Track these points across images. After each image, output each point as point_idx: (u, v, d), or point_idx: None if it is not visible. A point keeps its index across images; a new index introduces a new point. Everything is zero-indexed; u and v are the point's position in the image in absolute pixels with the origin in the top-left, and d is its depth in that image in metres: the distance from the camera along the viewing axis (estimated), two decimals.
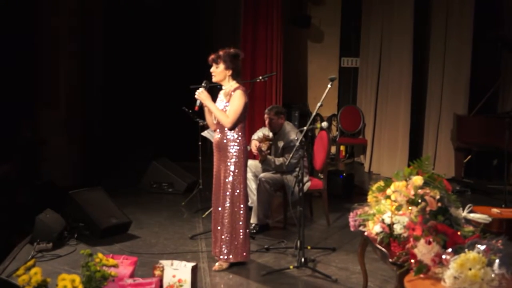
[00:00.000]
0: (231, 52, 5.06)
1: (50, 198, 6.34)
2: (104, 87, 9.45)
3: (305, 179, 6.12)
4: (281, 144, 6.39)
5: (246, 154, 5.16)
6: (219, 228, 5.13)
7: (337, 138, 10.41)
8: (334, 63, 10.71)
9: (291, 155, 5.70)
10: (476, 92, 8.85)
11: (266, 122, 6.54)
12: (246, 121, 9.31)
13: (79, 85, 8.33)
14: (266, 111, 6.60)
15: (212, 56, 5.08)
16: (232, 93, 5.03)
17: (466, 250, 3.28)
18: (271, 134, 6.60)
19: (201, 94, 5.06)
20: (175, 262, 4.58)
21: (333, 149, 10.19)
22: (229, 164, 5.06)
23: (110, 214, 6.11)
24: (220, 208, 5.11)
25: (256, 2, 9.57)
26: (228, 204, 5.06)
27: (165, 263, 4.57)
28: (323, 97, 5.16)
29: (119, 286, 4.23)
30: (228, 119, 5.00)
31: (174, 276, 4.47)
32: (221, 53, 5.05)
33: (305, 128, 5.37)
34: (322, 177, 6.61)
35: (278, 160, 6.31)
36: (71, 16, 8.05)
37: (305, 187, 6.10)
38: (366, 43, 10.24)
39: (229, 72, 5.07)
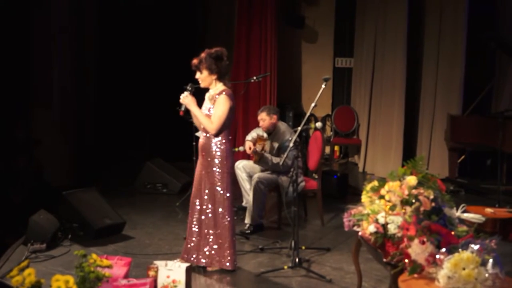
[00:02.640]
0: (212, 54, 4.89)
1: (43, 199, 6.32)
2: (97, 87, 9.43)
3: (300, 179, 6.13)
4: (276, 144, 6.40)
5: (230, 160, 5.01)
6: (199, 236, 5.02)
7: (331, 138, 10.42)
8: (328, 63, 10.71)
9: (285, 156, 5.70)
10: (470, 92, 8.87)
11: (259, 122, 6.55)
12: (241, 122, 9.49)
13: (73, 85, 8.31)
14: (259, 111, 6.61)
15: (194, 62, 4.94)
16: (217, 97, 4.90)
17: (460, 249, 3.30)
18: (265, 135, 6.60)
19: (185, 99, 4.93)
20: (169, 262, 4.57)
21: (327, 149, 10.20)
22: (212, 170, 4.94)
23: (104, 214, 6.10)
24: (203, 216, 5.00)
25: (250, 2, 9.58)
26: (210, 213, 4.96)
27: (159, 263, 4.57)
28: (317, 97, 5.17)
29: (113, 287, 4.22)
30: (212, 126, 4.86)
31: (168, 277, 4.47)
32: (203, 56, 4.90)
33: (299, 128, 5.36)
34: (316, 177, 6.62)
35: (275, 159, 6.31)
36: (64, 16, 8.03)
37: (300, 188, 6.11)
38: (360, 43, 10.26)
39: (214, 76, 4.93)
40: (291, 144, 5.51)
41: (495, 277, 3.17)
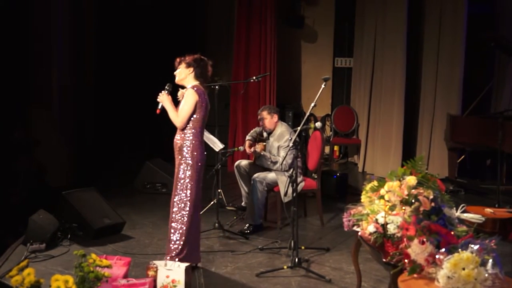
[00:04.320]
0: (195, 56, 5.02)
1: (43, 199, 6.32)
2: (97, 87, 9.43)
3: (299, 179, 6.12)
4: (276, 144, 6.40)
5: (199, 157, 4.92)
6: (171, 230, 4.98)
7: (331, 138, 10.42)
8: (327, 63, 10.72)
9: (285, 155, 5.70)
10: (470, 92, 8.87)
11: (260, 122, 6.56)
12: (241, 122, 9.48)
13: (72, 85, 8.31)
14: (259, 111, 6.62)
15: (176, 60, 5.04)
16: (185, 92, 4.96)
17: (459, 250, 3.29)
18: (265, 134, 6.61)
19: (161, 97, 4.99)
20: (169, 262, 4.58)
21: (327, 149, 10.20)
22: (181, 167, 4.92)
23: (104, 214, 6.10)
24: (173, 209, 4.96)
25: (249, 2, 9.58)
26: (176, 208, 4.92)
27: (158, 263, 4.56)
28: (316, 97, 5.16)
29: (112, 286, 4.22)
30: (177, 119, 4.90)
31: (167, 277, 4.47)
32: (186, 56, 5.03)
33: (298, 128, 5.36)
34: (315, 177, 6.62)
35: (275, 158, 6.31)
36: (64, 15, 8.03)
37: (299, 187, 6.11)
38: (359, 43, 10.26)
39: (190, 71, 4.98)
40: (291, 144, 5.50)
41: (495, 277, 3.17)
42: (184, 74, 5.00)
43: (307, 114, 5.67)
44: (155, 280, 4.48)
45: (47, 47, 7.77)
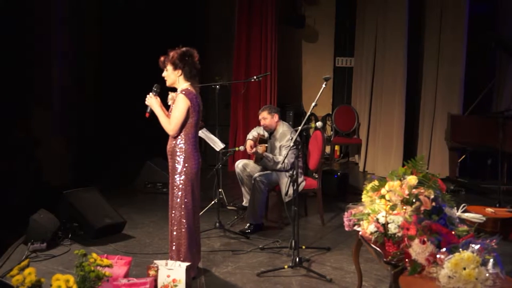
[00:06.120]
0: (179, 52, 4.73)
1: (44, 198, 6.32)
2: (97, 87, 9.42)
3: (300, 179, 6.12)
4: (278, 144, 6.39)
5: (193, 163, 4.76)
6: (170, 237, 4.87)
7: (332, 138, 10.42)
8: (328, 63, 10.72)
9: (286, 155, 5.70)
10: (471, 92, 8.87)
11: (261, 122, 6.55)
12: (241, 122, 9.48)
13: (73, 85, 8.30)
14: (260, 111, 6.62)
15: (160, 59, 4.79)
16: (176, 97, 4.74)
17: (460, 249, 3.29)
18: (266, 134, 6.60)
19: (149, 100, 4.79)
20: (170, 262, 4.57)
21: (328, 149, 10.20)
22: (174, 173, 4.81)
23: (105, 214, 6.10)
24: (172, 218, 4.83)
25: (250, 2, 9.58)
26: (174, 216, 4.80)
27: (159, 263, 4.56)
28: (317, 97, 5.16)
29: (113, 286, 4.22)
30: (169, 126, 4.70)
31: (168, 276, 4.46)
32: (169, 54, 4.75)
33: (299, 127, 5.36)
34: (316, 176, 6.61)
35: (277, 158, 6.29)
36: (64, 15, 8.03)
37: (300, 187, 6.10)
38: (360, 42, 10.26)
39: (179, 73, 4.74)
40: (292, 144, 5.50)
41: (496, 277, 3.17)
42: (173, 77, 4.78)
43: (308, 113, 5.67)
44: (156, 280, 4.48)
45: (47, 47, 7.76)
